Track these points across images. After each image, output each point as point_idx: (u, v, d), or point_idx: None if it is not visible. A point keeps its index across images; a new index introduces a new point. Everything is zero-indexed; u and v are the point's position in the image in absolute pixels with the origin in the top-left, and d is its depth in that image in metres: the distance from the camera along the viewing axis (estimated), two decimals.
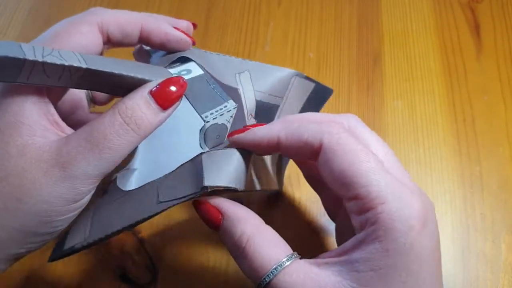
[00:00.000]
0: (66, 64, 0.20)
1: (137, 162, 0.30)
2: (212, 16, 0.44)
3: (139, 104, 0.22)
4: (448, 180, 0.35)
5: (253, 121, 0.29)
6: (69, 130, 0.24)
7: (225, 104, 0.24)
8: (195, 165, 0.24)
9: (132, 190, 0.26)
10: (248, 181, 0.26)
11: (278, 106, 0.31)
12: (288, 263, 0.21)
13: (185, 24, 0.30)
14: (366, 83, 0.40)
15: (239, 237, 0.22)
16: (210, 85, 0.26)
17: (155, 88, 0.23)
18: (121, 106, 0.22)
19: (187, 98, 0.25)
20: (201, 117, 0.24)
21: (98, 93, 0.32)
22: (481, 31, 0.42)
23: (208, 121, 0.24)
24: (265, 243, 0.22)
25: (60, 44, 0.24)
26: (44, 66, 0.20)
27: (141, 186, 0.26)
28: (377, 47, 0.42)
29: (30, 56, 0.19)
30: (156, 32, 0.27)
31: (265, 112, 0.30)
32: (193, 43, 0.29)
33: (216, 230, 0.24)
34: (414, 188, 0.21)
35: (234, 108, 0.24)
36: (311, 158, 0.23)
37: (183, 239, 0.32)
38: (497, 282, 0.31)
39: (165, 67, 0.27)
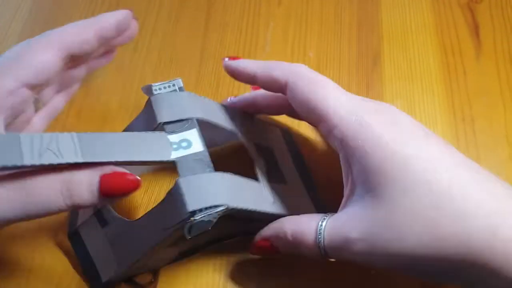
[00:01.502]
0: (63, 162, 0.21)
1: None
2: (212, 16, 0.45)
3: (83, 182, 0.22)
4: None
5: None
6: None
7: (219, 208, 0.23)
8: (174, 194, 0.23)
9: (135, 220, 0.26)
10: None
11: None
12: (327, 217, 0.24)
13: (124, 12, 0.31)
14: (365, 83, 0.40)
15: (285, 238, 0.25)
16: (208, 169, 0.25)
17: (107, 173, 0.22)
18: (67, 176, 0.22)
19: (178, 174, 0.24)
20: (187, 211, 0.22)
21: (45, 95, 0.31)
22: (481, 31, 0.42)
23: (195, 219, 0.22)
24: (304, 222, 0.25)
25: (23, 64, 0.25)
26: (41, 166, 0.21)
27: (142, 217, 0.25)
28: (377, 47, 0.42)
29: (27, 160, 0.21)
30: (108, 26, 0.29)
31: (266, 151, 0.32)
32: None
33: (281, 253, 0.26)
34: (371, 101, 0.25)
35: (223, 209, 0.23)
36: (283, 93, 0.27)
37: None
38: None
39: (167, 124, 0.26)
